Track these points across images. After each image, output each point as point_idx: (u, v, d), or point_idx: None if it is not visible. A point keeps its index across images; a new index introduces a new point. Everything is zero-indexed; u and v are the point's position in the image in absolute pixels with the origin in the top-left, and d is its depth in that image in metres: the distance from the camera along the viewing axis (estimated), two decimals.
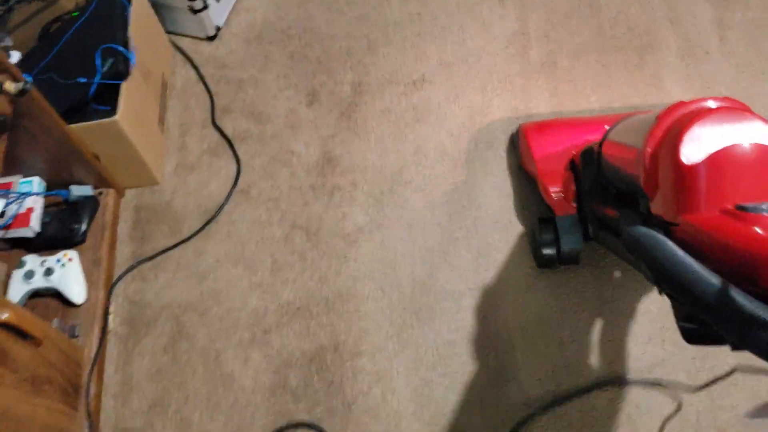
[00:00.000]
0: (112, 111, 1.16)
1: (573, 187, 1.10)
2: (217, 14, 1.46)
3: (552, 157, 1.16)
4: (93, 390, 1.11)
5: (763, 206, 0.60)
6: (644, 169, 0.75)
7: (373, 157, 1.31)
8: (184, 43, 1.49)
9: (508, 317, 1.14)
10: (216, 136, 1.37)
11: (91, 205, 1.25)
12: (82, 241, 1.23)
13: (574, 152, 1.12)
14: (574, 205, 1.11)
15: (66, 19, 1.35)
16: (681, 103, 0.74)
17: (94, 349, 1.14)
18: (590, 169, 1.02)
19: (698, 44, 1.38)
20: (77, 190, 1.24)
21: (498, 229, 1.22)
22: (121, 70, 1.18)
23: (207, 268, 1.23)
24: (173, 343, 1.17)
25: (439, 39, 1.44)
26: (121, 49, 1.19)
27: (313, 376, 1.13)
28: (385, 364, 1.13)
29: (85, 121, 1.16)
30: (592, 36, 1.41)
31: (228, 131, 1.37)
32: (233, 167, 1.33)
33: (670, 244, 0.61)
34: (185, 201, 1.30)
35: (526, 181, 1.25)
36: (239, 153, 1.34)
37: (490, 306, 1.15)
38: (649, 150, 0.74)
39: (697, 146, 0.66)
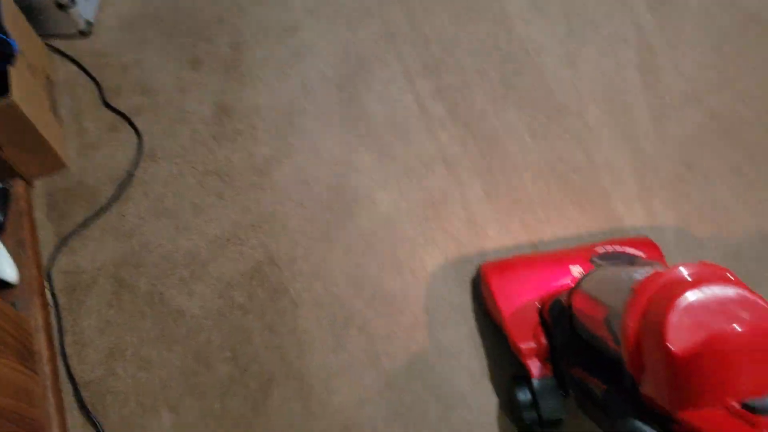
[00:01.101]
0: (3, 93, 1.20)
1: (545, 343, 1.02)
2: (85, 9, 1.54)
3: (521, 308, 1.07)
4: (46, 354, 1.14)
5: None
6: (627, 350, 0.67)
7: (265, 99, 1.43)
8: (59, 43, 1.54)
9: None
10: (111, 114, 1.43)
11: (1, 195, 1.28)
12: (1, 230, 1.25)
13: (541, 303, 1.06)
14: (549, 364, 1.02)
15: None
16: (658, 274, 0.67)
17: (40, 320, 1.17)
18: (562, 323, 0.94)
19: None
20: None
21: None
22: (6, 52, 1.23)
23: (132, 227, 1.29)
24: (116, 297, 1.22)
25: None
26: (1, 36, 1.24)
27: (256, 289, 1.22)
28: (320, 262, 1.24)
29: None
30: None
31: (122, 108, 1.44)
32: (135, 138, 1.40)
33: None
34: (96, 176, 1.36)
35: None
36: (137, 124, 1.41)
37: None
38: (630, 330, 0.66)
39: (686, 331, 0.59)
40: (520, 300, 1.07)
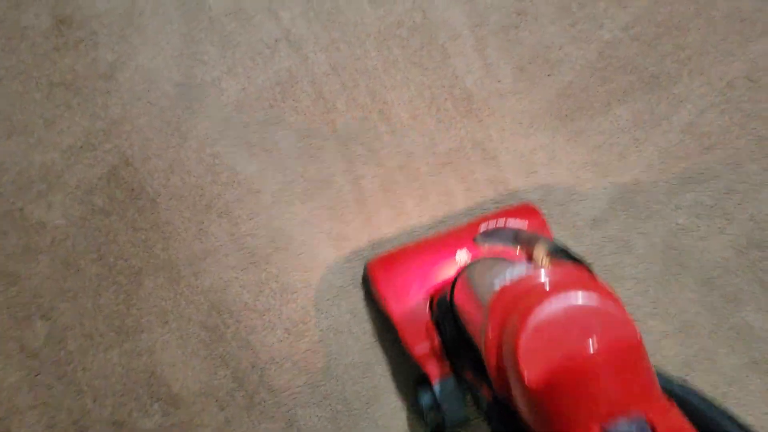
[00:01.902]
0: None
1: (439, 341, 0.97)
2: None
3: (412, 306, 1.01)
4: None
5: (633, 429, 0.50)
6: (491, 374, 0.62)
7: (101, 4, 1.40)
8: None
9: None
10: None
11: None
12: None
13: (430, 298, 1.02)
14: (448, 366, 0.97)
15: None
16: (504, 290, 0.63)
17: None
18: (448, 321, 0.89)
19: None
20: None
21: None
22: None
23: None
24: None
25: None
26: None
27: (114, 191, 1.24)
28: (174, 157, 1.26)
29: None
30: None
31: None
32: None
33: None
34: None
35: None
36: None
37: None
38: (491, 353, 0.61)
39: (539, 354, 0.54)
40: (409, 298, 1.02)
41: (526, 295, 0.58)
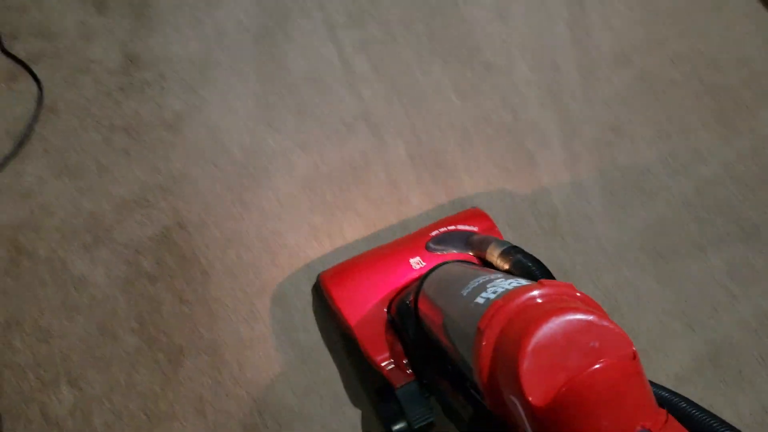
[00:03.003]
0: None
1: (400, 348, 0.97)
2: None
3: (369, 316, 1.01)
4: None
5: None
6: (485, 394, 0.61)
7: (176, 47, 1.33)
8: None
9: None
10: (8, 62, 1.31)
11: None
12: None
13: (387, 307, 1.02)
14: (410, 371, 0.96)
15: None
16: (498, 307, 0.61)
17: None
18: (412, 327, 0.90)
19: None
20: None
21: None
22: None
23: (30, 186, 1.21)
24: (13, 264, 1.15)
25: None
26: None
27: (164, 255, 1.16)
28: (233, 228, 1.18)
29: None
30: None
31: (21, 55, 1.32)
32: (34, 87, 1.29)
33: None
34: None
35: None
36: (37, 73, 1.30)
37: None
38: (484, 376, 0.60)
39: (542, 376, 0.54)
40: (367, 307, 1.02)
41: (522, 315, 0.58)
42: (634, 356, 0.54)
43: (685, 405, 0.61)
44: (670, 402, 0.62)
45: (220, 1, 1.39)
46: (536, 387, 0.53)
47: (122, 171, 1.22)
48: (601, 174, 1.23)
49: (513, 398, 0.55)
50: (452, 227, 1.08)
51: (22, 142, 1.24)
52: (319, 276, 1.11)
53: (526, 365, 0.53)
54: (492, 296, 0.63)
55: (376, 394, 1.01)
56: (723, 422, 0.58)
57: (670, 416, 0.53)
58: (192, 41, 1.34)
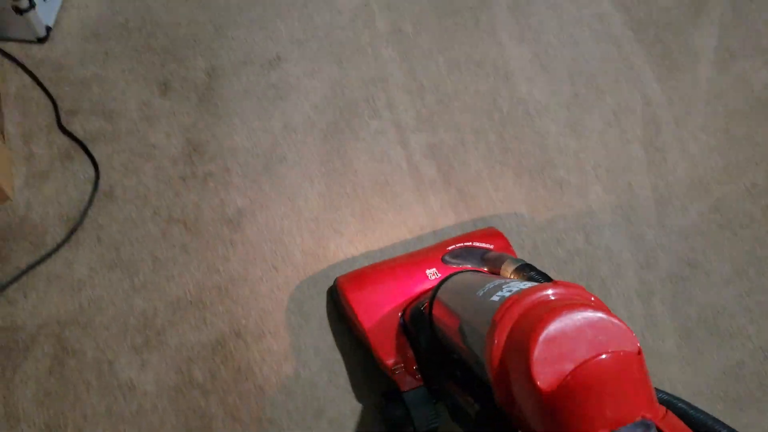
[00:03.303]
0: None
1: (410, 354, 1.00)
2: (45, 13, 1.36)
3: (383, 321, 1.04)
4: None
5: (639, 430, 0.54)
6: (494, 385, 0.64)
7: (241, 138, 1.30)
8: (11, 48, 1.37)
9: None
10: (65, 139, 1.28)
11: None
12: None
13: (401, 313, 1.04)
14: (419, 376, 0.99)
15: None
16: (514, 301, 0.64)
17: None
18: (424, 332, 0.92)
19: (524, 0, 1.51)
20: None
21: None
22: None
23: (81, 278, 1.15)
24: (59, 363, 1.09)
25: (286, 17, 1.45)
26: None
27: (219, 366, 1.10)
28: (291, 340, 1.13)
29: None
30: (429, 1, 1.48)
31: (78, 133, 1.28)
32: (91, 170, 1.25)
33: None
34: (44, 212, 1.20)
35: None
36: (95, 154, 1.26)
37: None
38: (494, 364, 0.63)
39: (551, 364, 0.57)
40: (381, 313, 1.04)
41: (535, 310, 0.62)
42: (639, 352, 0.58)
43: (682, 405, 0.65)
44: (668, 402, 0.66)
45: (289, 92, 1.35)
46: (545, 374, 0.56)
47: (178, 268, 1.17)
48: (675, 309, 1.19)
49: (522, 386, 0.59)
50: (469, 243, 1.11)
51: (74, 229, 1.19)
52: (336, 280, 1.11)
53: (536, 354, 0.57)
54: (507, 294, 0.67)
55: (383, 397, 1.01)
56: (718, 421, 0.62)
57: (670, 412, 0.57)
58: (258, 133, 1.30)
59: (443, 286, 0.90)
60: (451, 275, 0.94)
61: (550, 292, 0.64)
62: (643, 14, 1.50)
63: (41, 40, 1.38)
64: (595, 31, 1.47)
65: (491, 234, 1.15)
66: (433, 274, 1.07)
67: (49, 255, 1.17)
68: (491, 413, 0.69)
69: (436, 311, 0.87)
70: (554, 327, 0.58)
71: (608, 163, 1.31)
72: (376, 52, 1.42)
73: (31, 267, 1.16)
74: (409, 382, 0.98)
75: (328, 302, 1.16)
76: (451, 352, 0.84)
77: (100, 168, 1.25)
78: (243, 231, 1.21)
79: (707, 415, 0.64)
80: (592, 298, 0.64)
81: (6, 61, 1.36)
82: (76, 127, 1.29)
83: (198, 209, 1.22)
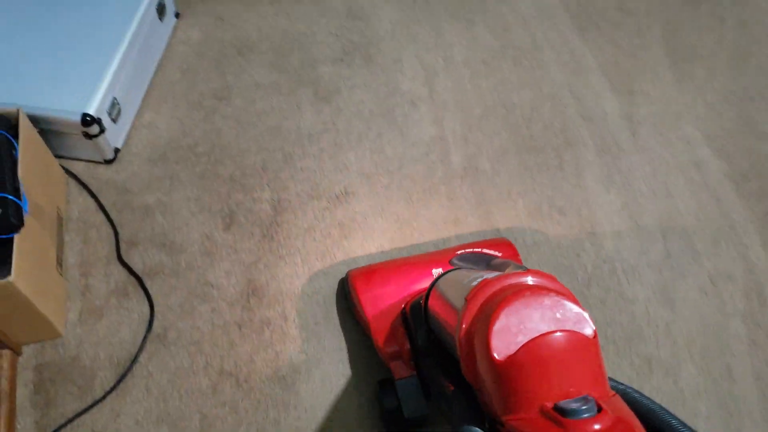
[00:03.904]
0: (4, 264, 1.01)
1: (407, 346, 1.03)
2: (115, 135, 1.34)
3: (385, 311, 1.09)
4: None
5: (583, 407, 0.56)
6: (462, 360, 0.69)
7: (302, 281, 1.23)
8: (79, 168, 1.35)
9: None
10: (123, 272, 1.23)
11: None
12: None
13: (404, 305, 1.07)
14: (413, 364, 1.03)
15: None
16: (486, 283, 0.69)
17: None
18: (421, 324, 0.95)
19: (612, 140, 1.40)
20: None
21: None
22: (14, 222, 1.04)
23: None
24: None
25: (357, 148, 1.39)
26: (11, 197, 1.05)
27: None
28: None
29: None
30: (510, 136, 1.40)
31: (137, 266, 1.24)
32: (146, 308, 1.20)
33: None
34: (94, 353, 1.15)
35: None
36: (151, 291, 1.21)
37: None
38: (462, 339, 0.68)
39: (509, 339, 0.62)
40: (384, 304, 1.10)
41: (504, 291, 0.67)
42: (594, 336, 0.62)
43: (635, 394, 0.69)
44: (623, 391, 0.69)
45: (354, 232, 1.29)
46: (500, 345, 0.61)
47: (226, 429, 1.09)
48: None
49: (482, 357, 0.63)
50: (478, 249, 1.14)
51: (123, 376, 1.14)
52: (347, 273, 1.17)
53: (496, 327, 0.62)
54: (485, 278, 0.71)
55: (378, 385, 1.07)
56: (668, 412, 0.64)
57: (617, 396, 0.61)
58: (320, 277, 1.23)
59: (441, 278, 0.94)
60: (450, 271, 0.97)
61: (523, 278, 0.69)
62: (747, 164, 1.38)
63: (109, 162, 1.36)
64: (692, 181, 1.35)
65: (502, 243, 1.18)
66: (438, 274, 1.08)
67: (95, 403, 1.11)
68: (463, 391, 0.73)
69: (431, 301, 0.90)
70: (517, 305, 0.63)
71: (704, 340, 1.18)
72: (449, 191, 1.34)
73: (78, 415, 1.10)
74: (402, 371, 1.03)
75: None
76: (441, 341, 0.87)
77: (156, 307, 1.20)
78: (297, 391, 1.13)
79: (659, 405, 0.67)
80: (560, 287, 0.68)
81: (72, 182, 1.34)
82: (135, 260, 1.25)
83: (251, 363, 1.15)
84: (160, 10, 1.46)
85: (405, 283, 1.11)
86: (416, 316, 0.98)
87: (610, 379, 0.66)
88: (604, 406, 0.56)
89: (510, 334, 0.62)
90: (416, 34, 1.56)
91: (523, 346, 0.61)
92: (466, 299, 0.70)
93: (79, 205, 1.31)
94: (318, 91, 1.46)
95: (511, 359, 0.61)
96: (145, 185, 1.33)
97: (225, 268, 1.24)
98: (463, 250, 1.14)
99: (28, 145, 1.17)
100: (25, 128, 1.18)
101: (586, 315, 0.63)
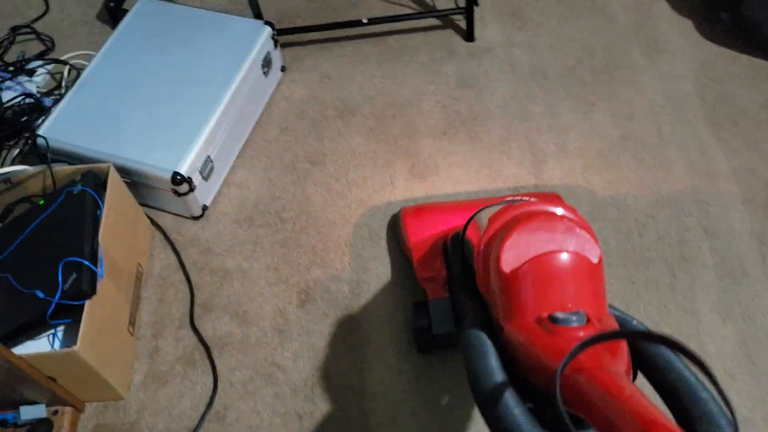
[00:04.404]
0: (74, 326, 1.01)
1: (444, 273, 1.12)
2: (204, 193, 1.32)
3: (427, 241, 1.18)
4: None
5: (573, 317, 0.64)
6: (477, 271, 0.79)
7: (372, 384, 1.15)
8: (166, 220, 1.34)
9: None
10: (193, 339, 1.21)
11: (44, 428, 1.08)
12: None
13: (446, 239, 1.14)
14: (447, 289, 1.11)
15: (31, 205, 1.21)
16: (509, 207, 0.77)
17: None
18: (457, 255, 1.03)
19: (737, 262, 1.24)
20: (28, 412, 1.07)
21: None
22: (86, 289, 1.03)
23: None
24: None
25: None
26: (87, 263, 1.04)
27: None
28: None
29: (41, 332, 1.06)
30: (618, 243, 1.27)
31: (207, 333, 1.21)
32: (210, 381, 1.17)
33: (485, 345, 0.70)
34: (153, 422, 1.13)
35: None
36: (218, 364, 1.18)
37: None
38: (480, 254, 0.77)
39: (518, 254, 0.69)
40: (427, 235, 1.18)
41: (522, 214, 0.74)
42: (599, 262, 0.69)
43: (636, 323, 0.71)
44: (623, 319, 0.71)
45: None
46: (510, 259, 0.69)
47: None
48: None
49: (493, 269, 0.71)
50: (527, 197, 1.14)
51: None
52: (400, 210, 1.27)
53: (508, 243, 0.69)
54: (511, 202, 0.77)
55: (413, 306, 1.14)
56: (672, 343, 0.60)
57: (612, 317, 0.69)
58: (393, 374, 1.15)
59: (480, 212, 0.98)
60: (483, 208, 1.00)
61: (543, 206, 0.74)
62: None
63: (196, 218, 1.34)
64: None
65: (553, 197, 1.22)
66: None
67: None
68: (479, 306, 0.81)
69: (469, 231, 0.96)
70: (531, 226, 0.68)
71: None
72: None
73: None
74: (436, 293, 1.11)
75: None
76: (470, 265, 0.90)
77: (219, 382, 1.16)
78: None
79: (663, 338, 0.62)
80: (578, 218, 0.73)
81: (157, 234, 1.33)
82: (206, 326, 1.22)
83: None
84: (266, 65, 1.43)
85: (448, 219, 1.19)
86: (455, 245, 1.06)
87: (611, 306, 0.72)
88: (595, 322, 0.62)
89: (519, 250, 0.69)
90: (529, 113, 1.46)
91: (529, 260, 0.68)
92: (489, 219, 0.78)
93: (162, 261, 1.30)
94: (415, 166, 1.39)
95: (517, 271, 0.69)
96: (227, 247, 1.31)
97: (294, 349, 1.19)
98: (512, 197, 1.18)
99: (116, 202, 1.16)
100: (115, 184, 1.17)
101: (594, 242, 0.70)
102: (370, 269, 1.27)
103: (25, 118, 1.44)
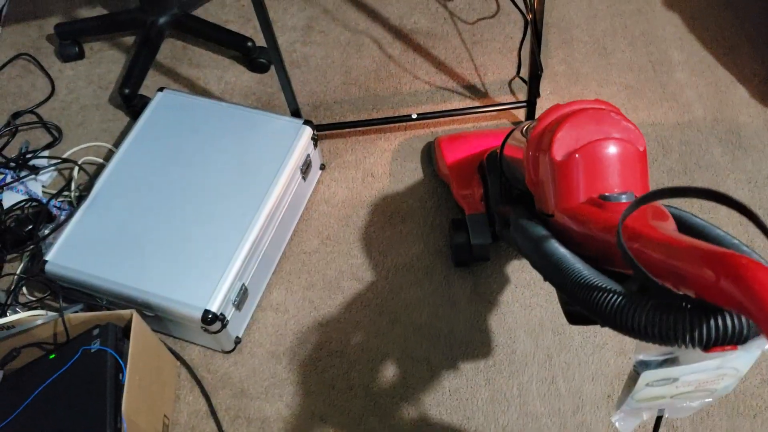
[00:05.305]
0: None
1: (481, 191, 1.16)
2: (237, 324, 1.15)
3: (462, 162, 1.23)
4: None
5: (622, 196, 0.70)
6: (527, 168, 0.82)
7: None
8: (194, 354, 1.17)
9: None
10: None
11: None
12: None
13: (481, 158, 1.17)
14: (483, 204, 1.15)
15: (40, 355, 1.03)
16: (557, 106, 0.81)
17: None
18: (494, 171, 1.05)
19: None
20: None
21: None
22: None
23: None
24: None
25: (521, 374, 1.13)
26: None
27: None
28: None
29: None
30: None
31: None
32: None
33: (538, 228, 0.77)
34: None
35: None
36: None
37: None
38: (530, 149, 0.81)
39: (569, 144, 0.74)
40: (463, 157, 1.23)
41: (564, 113, 0.78)
42: (644, 151, 0.74)
43: (687, 214, 0.70)
44: (679, 215, 0.70)
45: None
46: (561, 148, 0.74)
47: None
48: None
49: (544, 160, 0.76)
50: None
51: None
52: (436, 139, 1.32)
53: (559, 134, 0.74)
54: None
55: (451, 222, 1.19)
56: (719, 230, 0.65)
57: (659, 204, 0.68)
58: None
59: (512, 133, 1.00)
60: (524, 124, 1.00)
61: (590, 104, 0.79)
62: None
63: (227, 352, 1.17)
64: None
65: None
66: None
67: None
68: (524, 205, 0.87)
69: (507, 149, 0.97)
70: (580, 119, 0.74)
71: None
72: None
73: None
74: (473, 208, 1.16)
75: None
76: (509, 178, 0.96)
77: None
78: None
79: (712, 225, 0.66)
80: (622, 115, 0.76)
81: (184, 371, 1.15)
82: None
83: None
84: (306, 169, 1.25)
85: (484, 142, 1.26)
86: (491, 163, 1.09)
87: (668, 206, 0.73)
88: (642, 204, 0.60)
89: (570, 140, 0.74)
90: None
91: (580, 147, 0.73)
92: (538, 118, 0.82)
93: (189, 405, 1.12)
94: (478, 285, 1.21)
95: (569, 158, 0.73)
96: (264, 388, 1.13)
97: None
98: None
99: (140, 355, 0.99)
100: (139, 334, 1.00)
101: (639, 133, 0.74)
102: (432, 416, 1.09)
103: (30, 227, 1.26)
